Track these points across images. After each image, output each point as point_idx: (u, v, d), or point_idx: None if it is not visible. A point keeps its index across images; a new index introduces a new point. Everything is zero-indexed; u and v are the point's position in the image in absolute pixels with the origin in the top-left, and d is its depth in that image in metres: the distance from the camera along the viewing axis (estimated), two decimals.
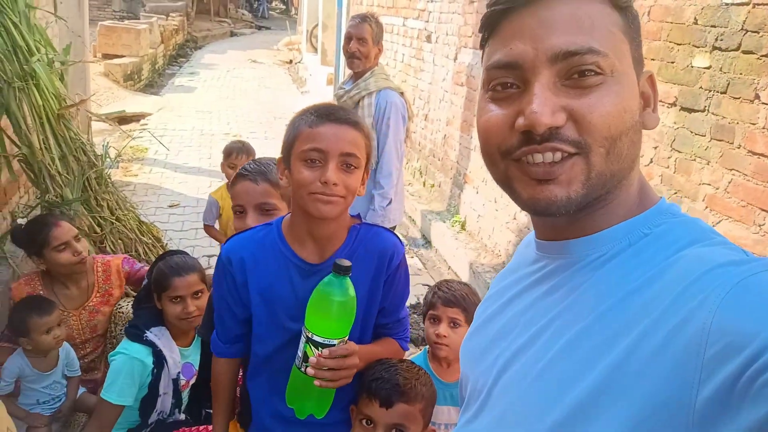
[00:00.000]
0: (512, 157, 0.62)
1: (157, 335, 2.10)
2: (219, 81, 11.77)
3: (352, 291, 1.13)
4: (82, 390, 2.38)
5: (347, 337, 1.17)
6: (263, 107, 9.74)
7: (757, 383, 0.43)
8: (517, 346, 0.67)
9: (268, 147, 7.36)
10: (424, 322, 1.87)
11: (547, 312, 0.65)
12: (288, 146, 1.21)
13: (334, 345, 1.13)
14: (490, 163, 0.67)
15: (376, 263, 1.28)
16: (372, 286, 1.29)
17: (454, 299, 1.80)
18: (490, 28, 0.65)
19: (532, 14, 0.60)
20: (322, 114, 1.17)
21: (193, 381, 2.15)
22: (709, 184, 2.38)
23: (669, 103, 2.60)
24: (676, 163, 2.57)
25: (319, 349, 1.13)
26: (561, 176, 0.60)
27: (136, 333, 2.03)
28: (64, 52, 3.30)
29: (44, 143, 2.99)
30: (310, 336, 1.13)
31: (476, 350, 0.77)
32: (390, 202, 2.93)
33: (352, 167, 1.17)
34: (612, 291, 0.59)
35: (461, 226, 4.66)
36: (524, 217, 3.81)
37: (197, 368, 2.16)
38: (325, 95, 9.84)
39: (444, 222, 4.77)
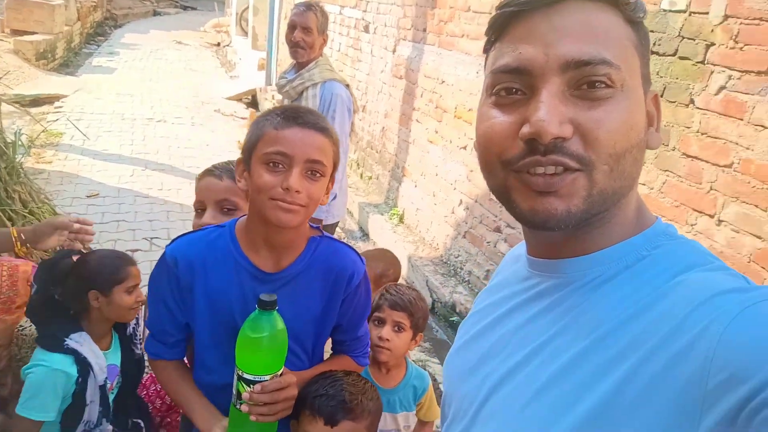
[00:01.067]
0: (513, 168, 0.59)
1: (78, 341, 1.92)
2: (141, 62, 11.16)
3: (280, 324, 1.07)
4: None
5: (281, 371, 1.11)
6: (189, 91, 9.31)
7: (758, 418, 0.43)
8: (509, 366, 0.64)
9: (195, 133, 7.05)
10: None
11: (542, 333, 0.63)
12: (250, 147, 1.12)
13: (266, 381, 1.08)
14: (487, 172, 0.64)
15: (333, 281, 1.21)
16: (327, 304, 1.23)
17: (402, 303, 1.76)
18: (498, 30, 0.62)
19: (544, 18, 0.57)
20: (290, 116, 1.09)
21: (116, 383, 2.00)
22: (644, 184, 2.45)
23: None
24: None
25: (251, 386, 1.08)
26: (562, 189, 0.57)
27: (53, 342, 1.86)
28: None
29: None
30: (240, 374, 1.08)
31: (462, 368, 0.74)
32: (335, 197, 2.85)
33: (318, 174, 1.09)
34: (610, 315, 0.57)
35: (399, 219, 4.63)
36: (463, 212, 3.83)
37: (120, 368, 2.01)
38: (256, 80, 9.55)
39: (382, 215, 4.73)
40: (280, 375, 1.10)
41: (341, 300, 1.23)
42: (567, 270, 0.64)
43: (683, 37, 2.26)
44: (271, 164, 1.07)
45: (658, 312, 0.54)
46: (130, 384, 2.07)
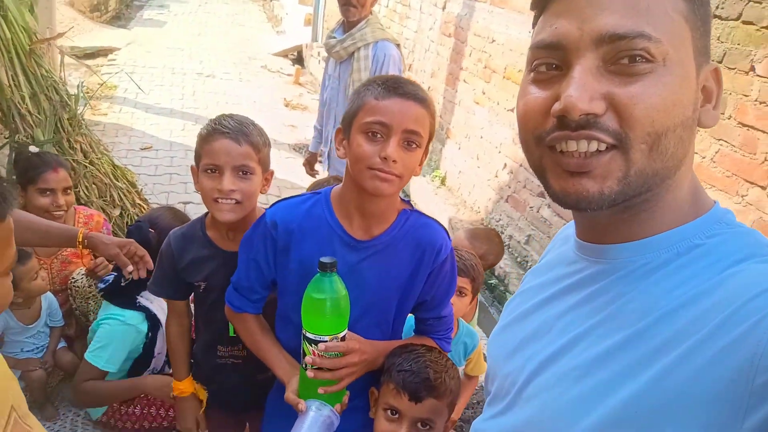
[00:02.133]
0: (546, 143, 0.59)
1: (148, 298, 2.06)
2: (191, 16, 11.27)
3: (340, 286, 1.11)
4: (61, 344, 2.34)
5: (342, 333, 1.14)
6: (237, 46, 9.39)
7: None
8: (554, 349, 0.64)
9: (243, 89, 7.14)
10: None
11: (587, 319, 0.62)
12: (350, 116, 1.15)
13: (326, 341, 1.12)
14: (525, 148, 0.63)
15: (421, 254, 1.23)
16: (413, 275, 1.24)
17: (465, 269, 1.78)
18: (541, 5, 0.61)
19: None
20: (390, 87, 1.12)
21: None
22: (696, 153, 2.40)
23: None
24: None
25: (312, 346, 1.12)
26: (596, 170, 0.56)
27: (126, 299, 1.99)
28: None
29: (13, 80, 2.83)
30: (304, 334, 1.13)
31: (507, 347, 0.74)
32: None
33: (414, 146, 1.12)
34: (658, 304, 0.56)
35: (441, 182, 4.65)
36: (506, 176, 3.82)
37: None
38: (302, 36, 9.52)
39: (424, 176, 4.75)
40: (341, 338, 1.14)
41: (427, 273, 1.25)
42: (614, 256, 0.63)
43: (749, 1, 2.17)
44: (370, 134, 1.10)
45: (708, 304, 0.53)
46: None
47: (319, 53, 8.13)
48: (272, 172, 1.47)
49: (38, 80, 2.91)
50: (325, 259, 1.08)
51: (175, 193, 4.26)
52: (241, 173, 1.35)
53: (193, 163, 1.42)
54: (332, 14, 8.38)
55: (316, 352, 1.12)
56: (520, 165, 3.66)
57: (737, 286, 0.52)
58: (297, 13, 10.80)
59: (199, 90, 6.83)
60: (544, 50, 0.59)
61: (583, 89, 0.54)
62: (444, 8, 4.76)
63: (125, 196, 3.40)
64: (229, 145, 1.34)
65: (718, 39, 2.28)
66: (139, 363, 2.04)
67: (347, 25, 2.80)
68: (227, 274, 1.35)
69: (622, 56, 0.54)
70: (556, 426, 0.60)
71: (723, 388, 0.47)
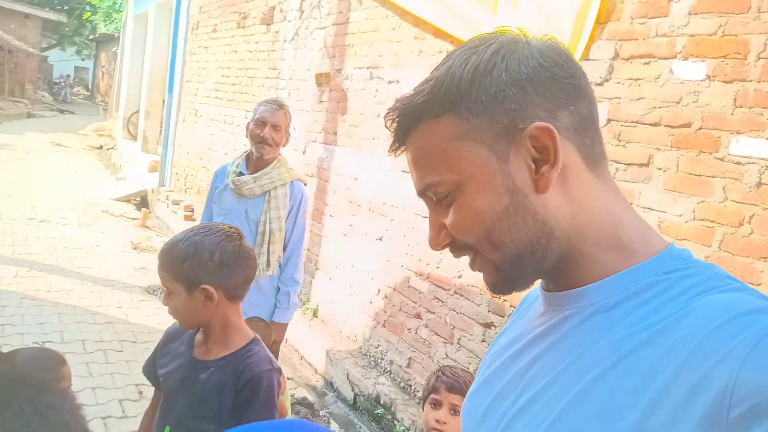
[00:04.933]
0: None
1: None
2: (18, 163, 10.49)
3: None
4: None
5: None
6: (73, 192, 8.86)
7: None
8: (525, 400, 0.64)
9: (84, 233, 6.67)
10: (423, 407, 1.83)
11: (557, 363, 0.62)
12: None
13: None
14: None
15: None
16: None
17: (458, 386, 1.79)
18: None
19: (407, 153, 0.69)
20: None
21: None
22: None
23: None
24: None
25: None
26: (481, 269, 0.67)
27: None
28: None
29: None
30: None
31: (480, 407, 0.73)
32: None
33: None
34: (623, 342, 0.57)
35: (313, 314, 4.62)
36: (381, 301, 3.94)
37: None
38: (147, 182, 9.32)
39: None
40: None
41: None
42: (575, 300, 0.64)
43: None
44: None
45: (674, 338, 0.53)
46: None
47: (168, 197, 7.99)
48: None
49: None
50: None
51: (9, 345, 3.65)
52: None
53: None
54: (179, 160, 8.42)
55: None
56: (394, 289, 3.81)
57: (702, 317, 0.53)
58: (140, 161, 10.62)
59: (33, 236, 6.22)
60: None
61: (433, 227, 0.67)
62: (304, 152, 5.07)
63: None
64: None
65: None
66: None
67: (254, 163, 2.81)
68: (183, 380, 1.43)
69: (434, 197, 0.66)
70: None
71: (700, 424, 0.48)
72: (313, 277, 4.77)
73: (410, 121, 0.65)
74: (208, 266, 1.40)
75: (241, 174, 2.81)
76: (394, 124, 0.66)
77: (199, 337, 1.51)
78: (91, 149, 14.17)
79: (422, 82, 0.65)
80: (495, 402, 0.70)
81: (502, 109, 0.61)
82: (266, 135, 2.71)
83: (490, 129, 0.61)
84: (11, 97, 19.23)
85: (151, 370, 1.59)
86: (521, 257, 0.63)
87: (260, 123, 2.73)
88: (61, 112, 21.54)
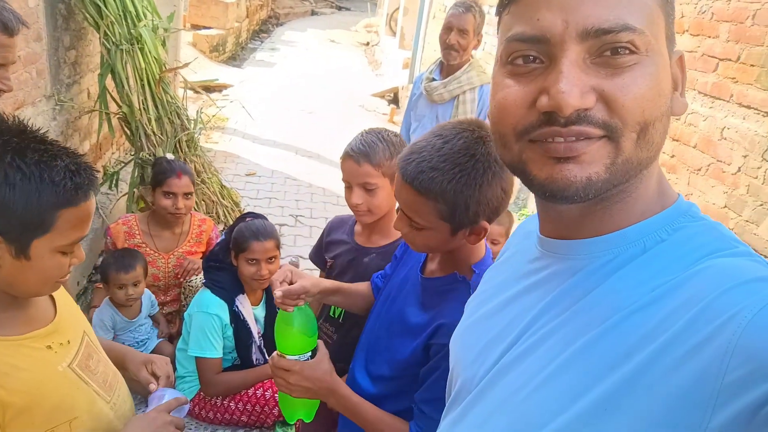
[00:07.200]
0: (529, 138, 0.56)
1: (242, 303, 2.20)
2: (298, 58, 12.03)
3: (301, 318, 1.27)
4: (160, 339, 2.54)
5: (299, 356, 1.24)
6: (339, 87, 9.90)
7: None
8: (519, 352, 0.63)
9: (341, 125, 7.51)
10: None
11: (552, 319, 0.61)
12: None
13: (285, 357, 1.25)
14: (502, 144, 0.60)
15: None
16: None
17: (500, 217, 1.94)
18: None
19: None
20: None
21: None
22: None
23: (765, 112, 2.50)
24: (766, 174, 2.48)
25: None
26: (584, 155, 0.54)
27: (223, 294, 2.15)
28: (168, 19, 3.51)
29: (143, 104, 3.21)
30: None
31: (473, 349, 0.72)
32: None
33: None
34: (627, 300, 0.55)
35: None
36: None
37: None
38: (399, 79, 9.88)
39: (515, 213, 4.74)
40: (306, 358, 1.25)
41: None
42: (580, 252, 0.61)
43: None
44: None
45: (678, 300, 0.51)
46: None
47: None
48: None
49: (164, 105, 3.28)
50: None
51: (272, 215, 4.52)
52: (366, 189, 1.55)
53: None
54: (428, 58, 8.67)
55: (270, 358, 1.28)
56: None
57: (706, 282, 0.51)
58: (396, 58, 11.24)
59: (302, 124, 7.26)
60: (524, 43, 0.55)
61: (573, 84, 0.52)
62: None
63: (229, 213, 3.69)
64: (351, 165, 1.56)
65: None
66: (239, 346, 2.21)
67: (447, 68, 2.78)
68: (350, 261, 1.63)
69: (607, 48, 0.53)
70: (523, 430, 0.58)
71: (692, 386, 0.46)
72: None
73: None
74: None
75: (433, 80, 2.80)
76: None
77: (357, 228, 1.73)
78: (359, 45, 15.41)
79: None
80: (488, 346, 0.69)
81: (673, 15, 0.58)
82: (452, 41, 2.64)
83: (672, 23, 0.58)
84: None
85: (318, 255, 1.85)
86: (639, 166, 0.56)
87: (447, 28, 2.66)
88: (339, 9, 23.51)
